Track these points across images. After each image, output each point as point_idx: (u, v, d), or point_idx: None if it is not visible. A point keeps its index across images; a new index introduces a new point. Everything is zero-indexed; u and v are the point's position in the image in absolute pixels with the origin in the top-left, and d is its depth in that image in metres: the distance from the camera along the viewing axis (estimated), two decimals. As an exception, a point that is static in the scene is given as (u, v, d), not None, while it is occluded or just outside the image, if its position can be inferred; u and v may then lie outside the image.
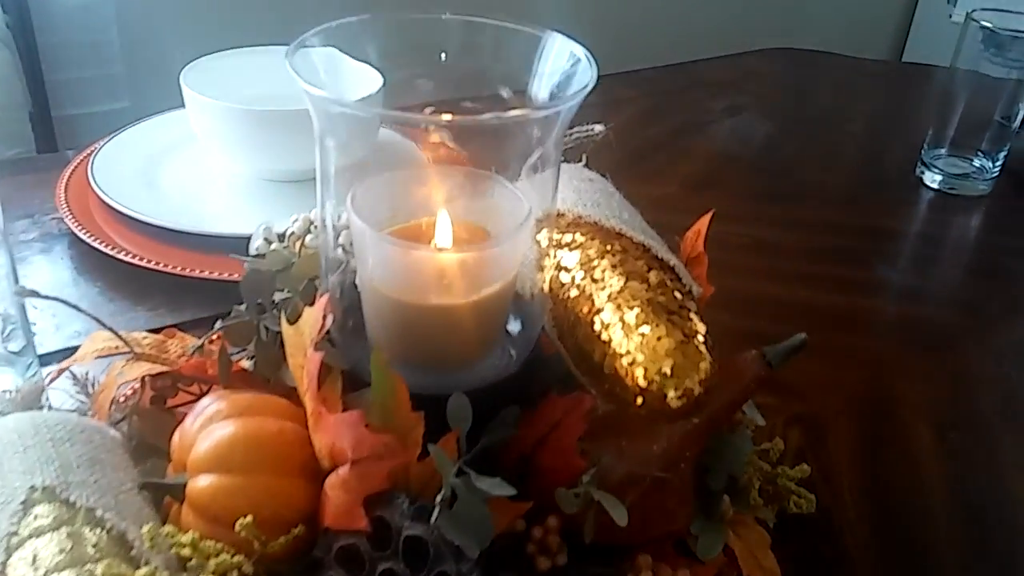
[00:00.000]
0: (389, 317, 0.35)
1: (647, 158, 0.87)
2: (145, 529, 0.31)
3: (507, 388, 0.36)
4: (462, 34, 0.36)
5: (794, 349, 0.36)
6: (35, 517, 0.31)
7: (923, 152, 0.86)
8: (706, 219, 0.44)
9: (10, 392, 0.38)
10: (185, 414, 0.42)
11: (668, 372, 0.33)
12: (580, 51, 0.33)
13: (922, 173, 0.86)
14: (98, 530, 0.31)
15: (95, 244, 0.60)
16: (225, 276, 0.58)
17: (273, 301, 0.40)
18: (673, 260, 0.37)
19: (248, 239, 0.58)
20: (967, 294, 0.69)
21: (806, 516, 0.45)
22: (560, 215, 0.40)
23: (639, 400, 0.34)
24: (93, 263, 0.61)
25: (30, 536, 0.30)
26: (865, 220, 0.79)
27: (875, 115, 1.03)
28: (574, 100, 0.30)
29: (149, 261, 0.58)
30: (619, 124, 0.96)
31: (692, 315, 0.34)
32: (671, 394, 0.33)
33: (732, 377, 0.36)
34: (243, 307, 0.39)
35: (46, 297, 0.38)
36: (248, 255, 0.45)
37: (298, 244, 0.42)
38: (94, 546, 0.30)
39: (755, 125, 0.98)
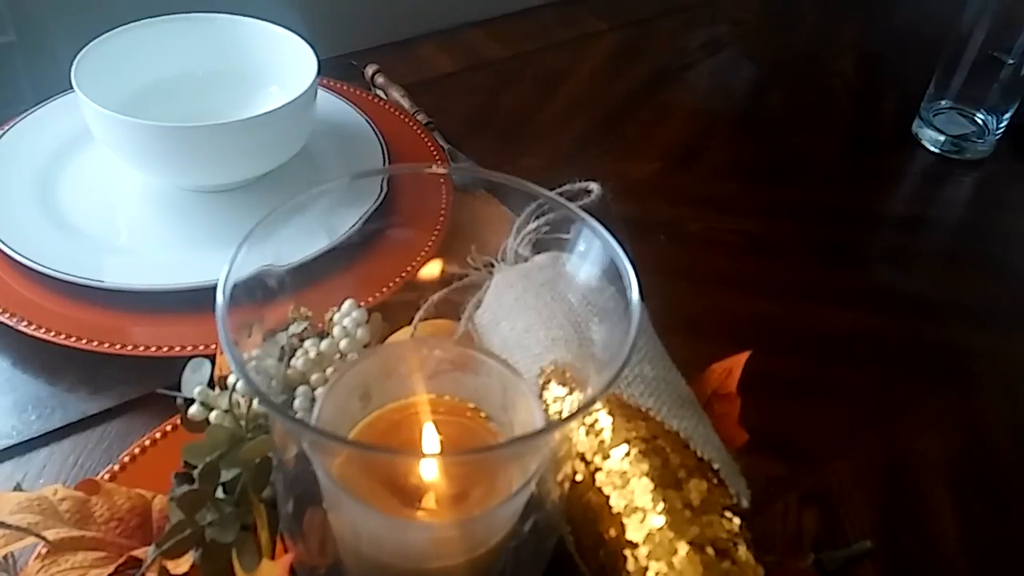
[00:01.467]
0: (372, 572, 0.28)
1: (623, 124, 0.78)
2: None
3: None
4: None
5: (855, 558, 0.30)
6: None
7: (922, 106, 0.79)
8: (741, 360, 0.37)
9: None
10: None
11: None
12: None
13: (919, 129, 0.79)
14: None
15: (-8, 314, 0.50)
16: (152, 352, 0.49)
17: (218, 484, 0.33)
18: (716, 458, 0.31)
19: (179, 291, 0.49)
20: (973, 300, 0.64)
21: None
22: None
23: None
24: (-9, 328, 0.51)
25: None
26: (859, 201, 0.72)
27: (864, 48, 0.94)
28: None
29: (59, 335, 0.49)
30: (590, 71, 0.86)
31: (747, 556, 0.28)
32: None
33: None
34: (177, 514, 0.32)
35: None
36: (181, 394, 0.37)
37: (243, 404, 0.34)
38: None
39: (737, 69, 0.89)
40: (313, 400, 0.32)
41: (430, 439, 0.28)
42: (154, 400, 0.47)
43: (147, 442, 0.44)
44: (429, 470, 0.26)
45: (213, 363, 0.38)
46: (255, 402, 0.34)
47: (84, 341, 0.49)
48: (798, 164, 0.76)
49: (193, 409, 0.34)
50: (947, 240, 0.70)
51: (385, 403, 0.30)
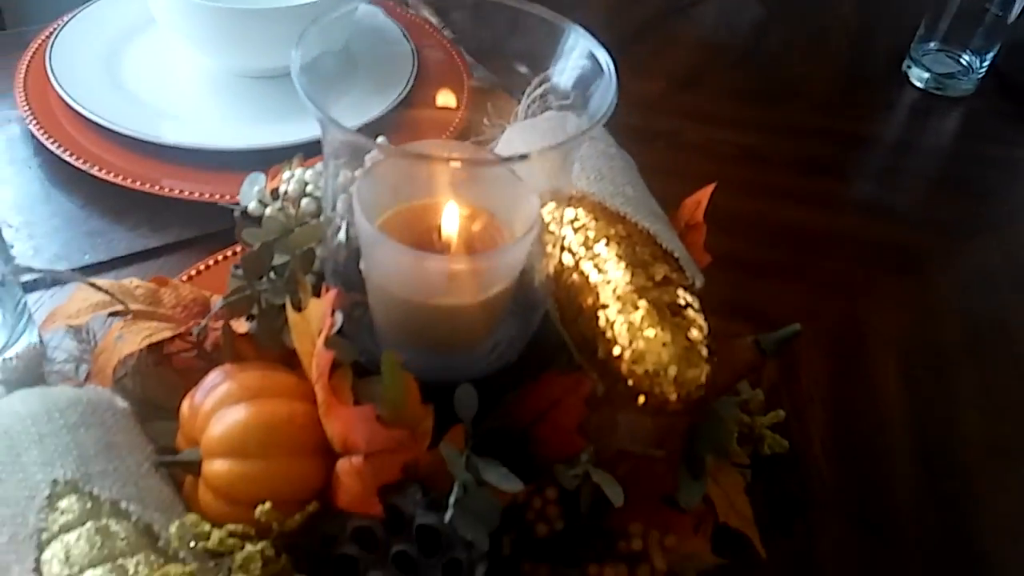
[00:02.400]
0: (396, 312, 0.35)
1: (632, 47, 0.84)
2: (174, 529, 0.32)
3: (509, 373, 0.37)
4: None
5: (787, 339, 0.37)
6: (61, 512, 0.32)
7: (912, 47, 0.85)
8: (707, 191, 0.44)
9: (11, 359, 0.38)
10: (187, 366, 0.42)
11: (671, 377, 0.34)
12: (603, 58, 0.31)
13: (908, 68, 0.85)
14: (125, 522, 0.32)
15: (67, 158, 0.58)
16: (207, 197, 0.56)
17: (272, 265, 0.40)
18: (678, 248, 0.38)
19: (229, 153, 0.56)
20: (940, 211, 0.70)
21: (778, 455, 0.48)
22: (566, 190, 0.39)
23: (641, 399, 0.35)
24: (65, 175, 0.59)
25: (59, 531, 0.32)
26: (848, 125, 0.78)
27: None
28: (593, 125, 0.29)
29: (127, 179, 0.57)
30: (605, 1, 0.92)
31: (696, 316, 0.35)
32: (672, 397, 0.35)
33: (726, 364, 0.38)
34: (240, 276, 0.39)
35: (41, 271, 0.37)
36: (240, 206, 0.44)
37: (292, 206, 0.41)
38: (123, 539, 0.32)
39: (743, 8, 0.95)
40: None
41: (450, 217, 0.35)
42: (207, 240, 0.55)
43: (202, 266, 0.52)
44: (449, 216, 0.33)
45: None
46: (303, 202, 0.41)
47: (146, 185, 0.56)
48: (794, 92, 0.82)
49: (252, 205, 0.41)
50: (924, 162, 0.77)
51: (411, 199, 0.37)
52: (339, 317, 0.34)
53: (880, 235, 0.67)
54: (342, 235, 0.36)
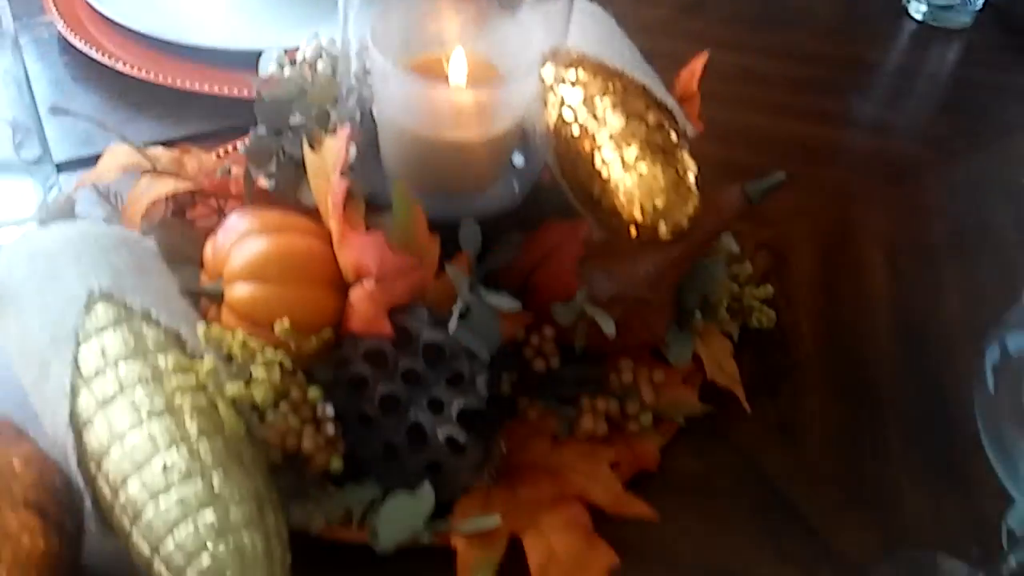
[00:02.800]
0: (406, 148, 0.38)
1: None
2: (200, 330, 0.35)
3: (512, 215, 0.40)
4: None
5: (772, 187, 0.40)
6: (97, 316, 0.35)
7: (912, -19, 0.87)
8: (701, 60, 0.46)
9: (47, 202, 0.41)
10: (208, 227, 0.45)
11: (661, 207, 0.37)
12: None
13: (908, 3, 0.87)
14: (155, 328, 0.35)
15: (92, 54, 0.60)
16: (226, 92, 0.59)
17: (289, 125, 0.43)
18: (670, 102, 0.40)
19: (249, 54, 0.58)
20: (935, 129, 0.73)
21: (765, 331, 0.51)
22: (565, 52, 0.42)
23: (633, 231, 0.38)
24: (91, 72, 0.61)
25: (94, 333, 0.34)
26: (849, 50, 0.80)
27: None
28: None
29: (149, 72, 0.59)
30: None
31: (685, 154, 0.38)
32: (663, 228, 0.37)
33: (714, 210, 0.40)
34: (261, 129, 0.42)
35: (78, 116, 0.40)
36: (258, 75, 0.47)
37: (309, 69, 0.44)
38: (153, 342, 0.35)
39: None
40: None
41: (457, 60, 0.38)
42: (229, 133, 0.57)
43: (222, 151, 0.54)
44: (457, 60, 0.36)
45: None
46: (319, 65, 0.44)
47: (168, 79, 0.59)
48: (795, 20, 0.84)
49: (272, 67, 0.44)
50: (921, 85, 0.79)
51: (422, 49, 0.39)
52: (353, 150, 0.37)
53: (875, 149, 0.69)
54: (354, 80, 0.38)
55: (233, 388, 0.34)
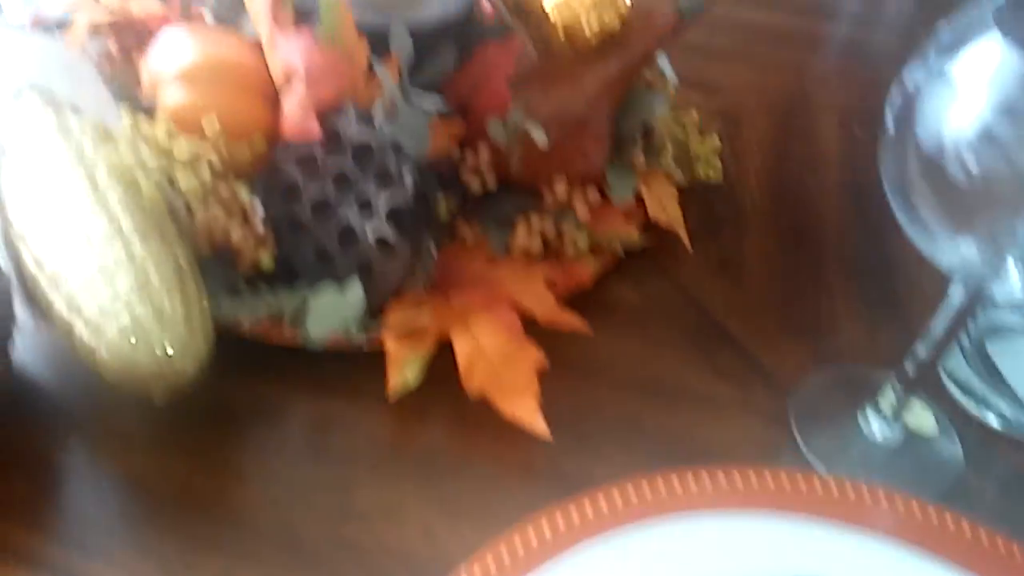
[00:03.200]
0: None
1: None
2: (126, 121, 0.35)
3: (448, 31, 0.40)
4: None
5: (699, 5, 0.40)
6: (26, 104, 0.35)
7: None
8: None
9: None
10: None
11: (591, 17, 0.37)
12: None
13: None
14: (80, 119, 0.35)
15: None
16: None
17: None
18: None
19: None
20: (893, 17, 0.73)
21: (713, 184, 0.51)
22: None
23: (562, 34, 0.38)
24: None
25: (23, 117, 0.35)
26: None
27: None
28: None
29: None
30: None
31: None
32: (590, 34, 0.37)
33: (647, 25, 0.40)
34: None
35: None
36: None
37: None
38: (78, 128, 0.35)
39: None
40: None
41: None
42: None
43: None
44: None
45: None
46: None
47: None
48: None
49: None
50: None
51: None
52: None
53: (832, 32, 0.70)
54: None
55: (153, 164, 0.34)
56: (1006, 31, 0.26)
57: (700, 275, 0.47)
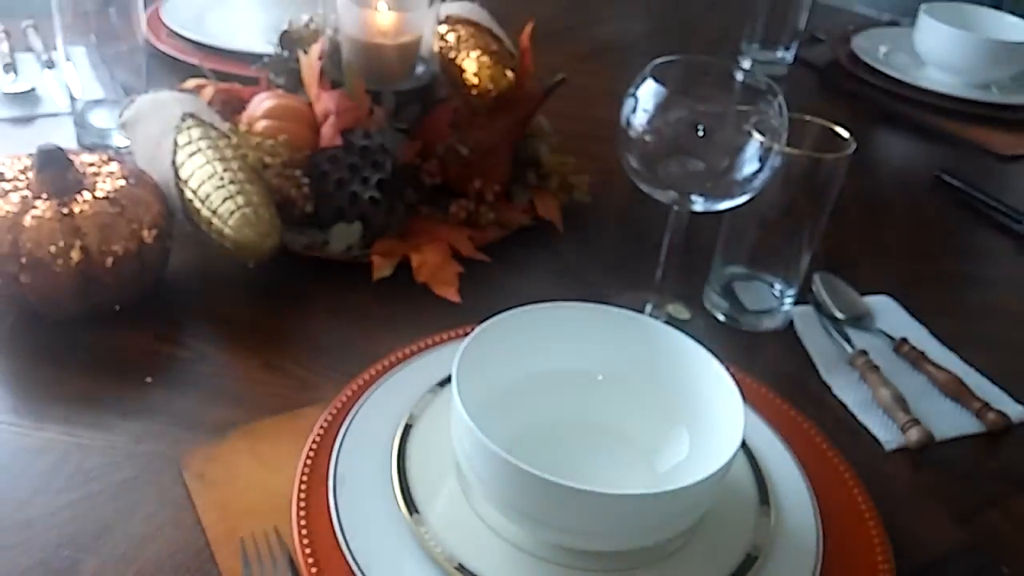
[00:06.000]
0: (353, 48, 0.70)
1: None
2: (228, 128, 0.66)
3: (416, 93, 0.72)
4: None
5: (557, 84, 0.72)
6: (187, 121, 0.66)
7: (743, 46, 1.22)
8: (529, 25, 0.79)
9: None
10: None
11: (489, 80, 0.69)
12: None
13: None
14: (215, 130, 0.66)
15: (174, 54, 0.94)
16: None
17: (293, 47, 0.76)
18: (503, 35, 0.73)
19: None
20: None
21: (582, 201, 0.81)
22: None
23: (475, 92, 0.70)
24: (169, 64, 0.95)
25: (185, 128, 0.65)
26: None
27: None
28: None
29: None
30: None
31: (510, 61, 0.70)
32: (492, 90, 0.69)
33: (525, 95, 0.72)
34: (279, 52, 0.74)
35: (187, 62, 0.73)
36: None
37: (304, 27, 0.77)
38: (215, 134, 0.66)
39: None
40: None
41: (383, 6, 0.71)
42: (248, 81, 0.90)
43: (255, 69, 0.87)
44: (383, 6, 0.69)
45: None
46: (309, 24, 0.77)
47: (212, 64, 0.93)
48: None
49: (283, 26, 0.77)
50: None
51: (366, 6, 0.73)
52: (325, 43, 0.69)
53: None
54: (332, 32, 0.71)
55: (252, 154, 0.65)
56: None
57: (565, 244, 0.76)
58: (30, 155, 0.60)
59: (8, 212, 0.56)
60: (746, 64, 1.20)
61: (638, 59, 0.61)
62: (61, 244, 0.56)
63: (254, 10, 1.05)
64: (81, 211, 0.57)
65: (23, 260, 0.55)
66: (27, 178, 0.59)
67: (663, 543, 0.46)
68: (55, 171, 0.58)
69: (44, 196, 0.57)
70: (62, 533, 0.47)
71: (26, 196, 0.57)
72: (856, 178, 0.79)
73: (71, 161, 0.59)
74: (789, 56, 1.19)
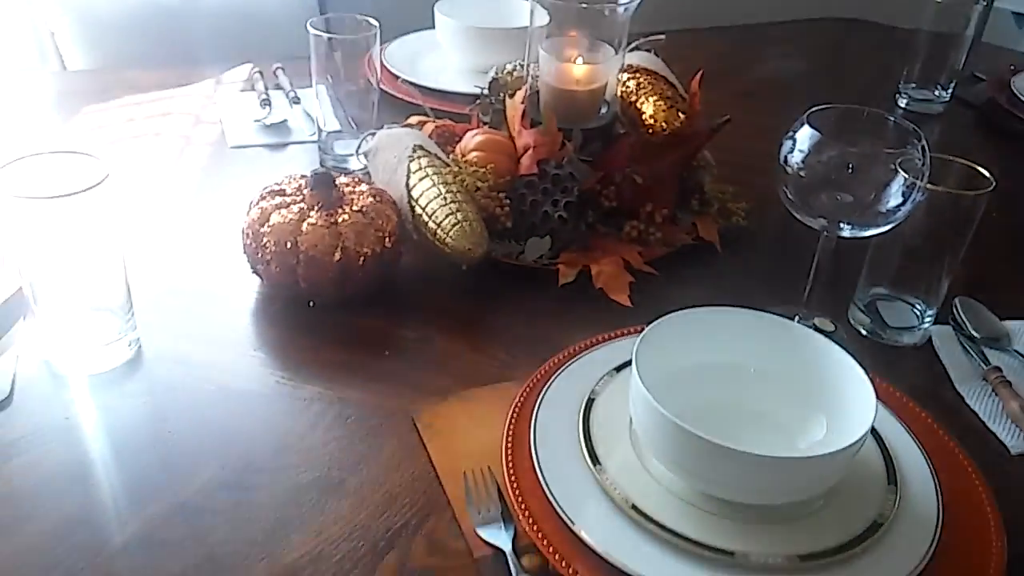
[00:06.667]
0: (549, 93, 0.85)
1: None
2: (450, 158, 0.82)
3: (599, 131, 0.86)
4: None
5: (723, 123, 0.84)
6: (417, 152, 0.82)
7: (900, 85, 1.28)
8: (698, 75, 0.91)
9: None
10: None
11: (664, 121, 0.82)
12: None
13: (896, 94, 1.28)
14: (440, 160, 0.82)
15: (387, 90, 1.13)
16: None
17: (499, 92, 0.91)
18: (675, 83, 0.86)
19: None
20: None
21: (743, 226, 0.91)
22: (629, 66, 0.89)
23: (651, 131, 0.82)
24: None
25: (416, 157, 0.81)
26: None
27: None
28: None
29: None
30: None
31: (681, 101, 0.83)
32: (666, 129, 0.82)
33: (695, 134, 0.84)
34: (487, 96, 0.90)
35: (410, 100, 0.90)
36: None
37: (507, 74, 0.92)
38: (440, 163, 0.81)
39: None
40: None
41: (579, 60, 0.85)
42: (462, 118, 1.07)
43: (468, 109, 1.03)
44: (579, 60, 0.83)
45: None
46: (513, 72, 0.92)
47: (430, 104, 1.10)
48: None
49: (491, 73, 0.93)
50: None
51: (562, 55, 0.87)
52: (527, 89, 0.84)
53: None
54: (532, 80, 0.86)
55: (467, 179, 0.80)
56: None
57: (723, 262, 0.87)
58: (303, 176, 0.77)
59: (290, 219, 0.73)
60: (902, 102, 1.26)
61: (796, 96, 0.72)
62: (328, 245, 0.72)
63: (457, 55, 1.22)
64: (343, 220, 0.74)
65: (300, 256, 0.73)
66: (303, 194, 0.76)
67: (799, 504, 0.56)
68: (324, 189, 0.75)
69: (316, 208, 0.75)
70: (331, 459, 0.63)
71: (303, 208, 0.75)
72: (1005, 211, 0.86)
73: (335, 182, 0.76)
74: (946, 95, 1.24)
